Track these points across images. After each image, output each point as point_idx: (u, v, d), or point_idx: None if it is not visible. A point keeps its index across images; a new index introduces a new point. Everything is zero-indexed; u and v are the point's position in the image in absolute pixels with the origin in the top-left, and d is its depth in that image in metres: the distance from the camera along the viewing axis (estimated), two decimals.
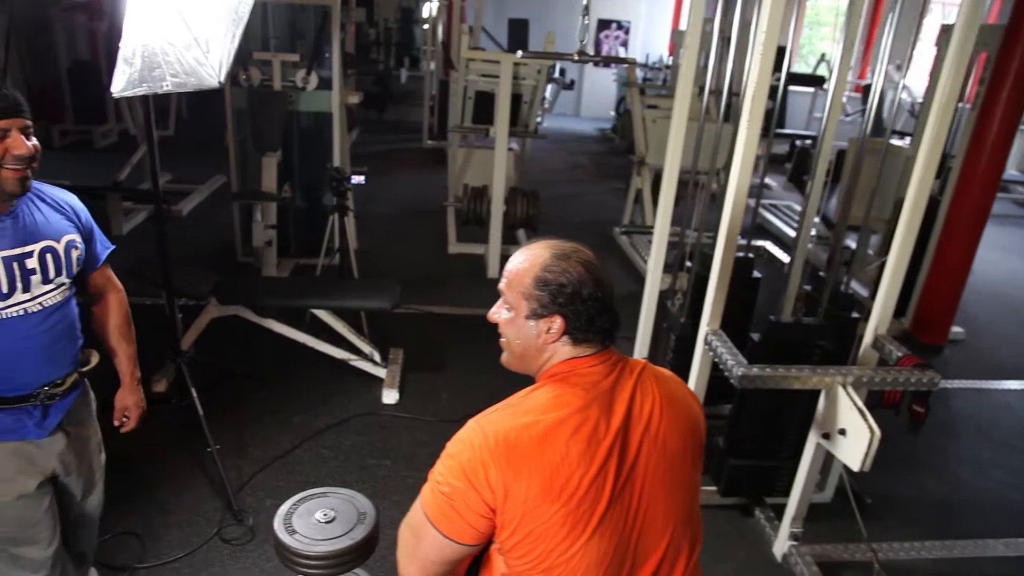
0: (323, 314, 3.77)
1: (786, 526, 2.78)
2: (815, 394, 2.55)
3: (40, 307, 1.71)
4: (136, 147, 7.11)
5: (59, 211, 1.80)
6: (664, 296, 3.34)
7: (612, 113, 12.35)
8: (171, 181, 6.63)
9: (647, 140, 5.93)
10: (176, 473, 2.99)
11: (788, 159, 8.01)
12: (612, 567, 1.33)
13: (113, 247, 1.99)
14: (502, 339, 1.41)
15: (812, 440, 2.62)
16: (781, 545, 2.81)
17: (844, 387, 2.42)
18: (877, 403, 2.59)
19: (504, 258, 5.36)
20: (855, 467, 2.32)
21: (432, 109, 9.43)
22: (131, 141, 7.56)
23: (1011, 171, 8.73)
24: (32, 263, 1.67)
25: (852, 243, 4.62)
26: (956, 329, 4.92)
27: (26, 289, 1.67)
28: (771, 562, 2.81)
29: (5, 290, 1.63)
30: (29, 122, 1.60)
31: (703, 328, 2.72)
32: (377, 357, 3.82)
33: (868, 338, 2.67)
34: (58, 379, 1.79)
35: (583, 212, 7.35)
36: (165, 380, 3.49)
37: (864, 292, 4.85)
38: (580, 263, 1.32)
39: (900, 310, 4.67)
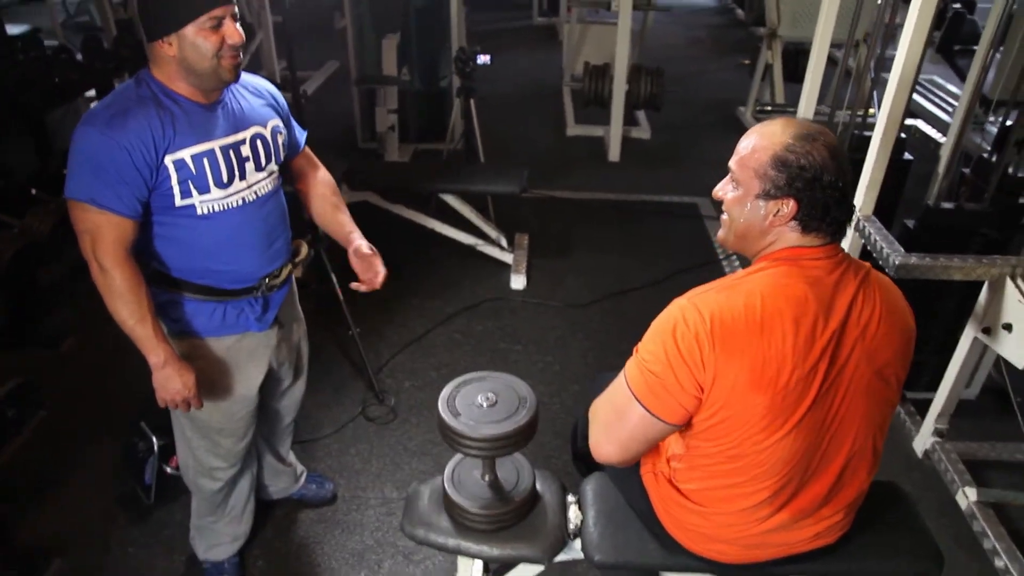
0: (450, 199, 3.76)
1: (930, 422, 2.68)
2: (972, 285, 2.38)
3: (256, 195, 1.70)
4: (253, 35, 7.13)
5: (260, 97, 1.79)
6: None
7: None
8: (287, 68, 6.65)
9: (779, 10, 5.49)
10: (319, 354, 3.10)
11: (937, 27, 7.25)
12: (799, 465, 1.31)
13: (306, 131, 1.97)
14: (723, 216, 1.35)
15: (969, 334, 2.47)
16: (923, 441, 2.72)
17: (1013, 278, 2.24)
18: None
19: (626, 140, 5.29)
20: (1020, 364, 2.18)
21: None
22: (247, 29, 7.58)
23: None
24: (245, 150, 1.67)
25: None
26: None
27: (242, 177, 1.67)
28: (911, 458, 2.73)
29: (225, 179, 1.62)
30: (236, 8, 1.56)
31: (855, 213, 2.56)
32: (504, 242, 3.83)
33: None
34: (275, 270, 1.81)
35: (704, 90, 6.96)
36: (302, 265, 3.62)
37: None
38: (825, 147, 1.23)
39: None
